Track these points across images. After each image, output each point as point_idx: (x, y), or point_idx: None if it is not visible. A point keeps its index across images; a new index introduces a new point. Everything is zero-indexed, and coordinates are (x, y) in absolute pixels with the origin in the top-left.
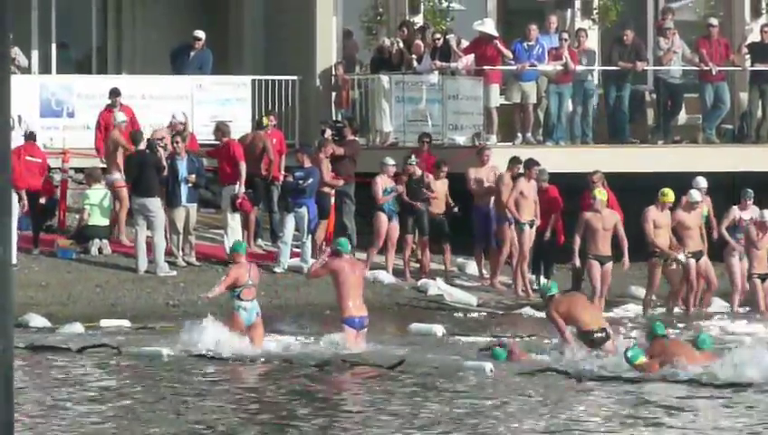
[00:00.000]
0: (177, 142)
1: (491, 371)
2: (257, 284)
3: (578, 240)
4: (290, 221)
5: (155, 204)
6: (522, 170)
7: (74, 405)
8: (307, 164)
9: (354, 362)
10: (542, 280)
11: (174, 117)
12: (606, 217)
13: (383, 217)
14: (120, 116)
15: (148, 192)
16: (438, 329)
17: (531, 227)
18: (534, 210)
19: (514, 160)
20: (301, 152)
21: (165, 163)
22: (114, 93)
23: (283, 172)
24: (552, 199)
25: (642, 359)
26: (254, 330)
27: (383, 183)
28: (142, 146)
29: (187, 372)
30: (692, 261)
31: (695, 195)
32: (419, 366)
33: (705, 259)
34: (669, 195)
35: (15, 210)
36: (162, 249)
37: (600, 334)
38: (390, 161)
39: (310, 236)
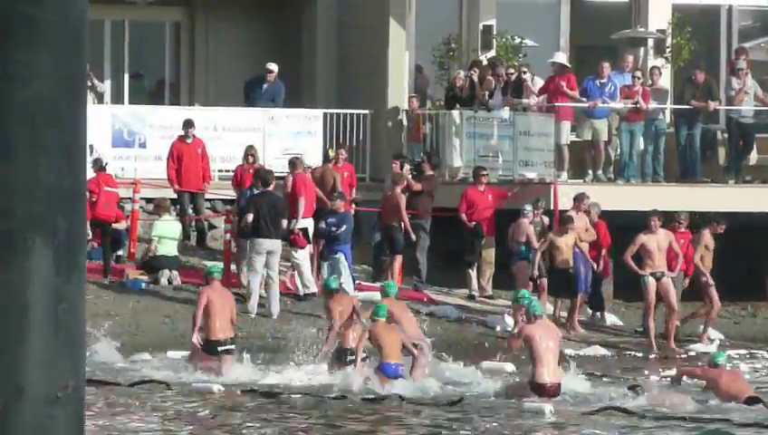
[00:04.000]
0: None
1: (551, 412)
2: None
3: None
4: (325, 269)
5: (278, 245)
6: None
7: None
8: (341, 210)
9: (412, 399)
10: (597, 314)
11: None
12: None
13: (526, 266)
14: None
15: (277, 234)
16: (509, 367)
17: (658, 279)
18: (666, 262)
19: (719, 220)
20: (338, 198)
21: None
22: (188, 124)
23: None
24: (600, 235)
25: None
26: None
27: (530, 231)
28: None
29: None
30: None
31: None
32: (479, 405)
33: None
34: None
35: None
36: (278, 293)
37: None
38: (528, 209)
39: (351, 282)
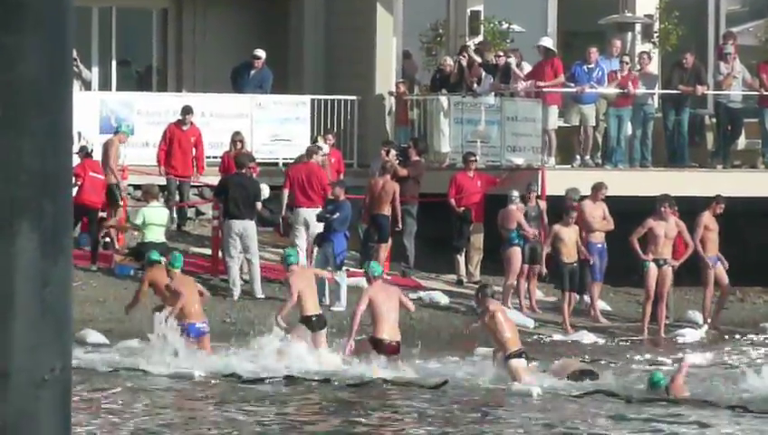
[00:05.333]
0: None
1: (538, 395)
2: None
3: None
4: (319, 257)
5: (250, 226)
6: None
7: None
8: (341, 198)
9: (396, 382)
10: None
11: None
12: None
13: (518, 252)
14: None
15: (250, 215)
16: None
17: (660, 266)
18: (667, 249)
19: (718, 198)
20: (337, 186)
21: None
22: (186, 111)
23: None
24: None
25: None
26: None
27: (521, 217)
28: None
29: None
30: None
31: None
32: (464, 388)
33: None
34: None
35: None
36: (259, 273)
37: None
38: (515, 195)
39: (339, 271)
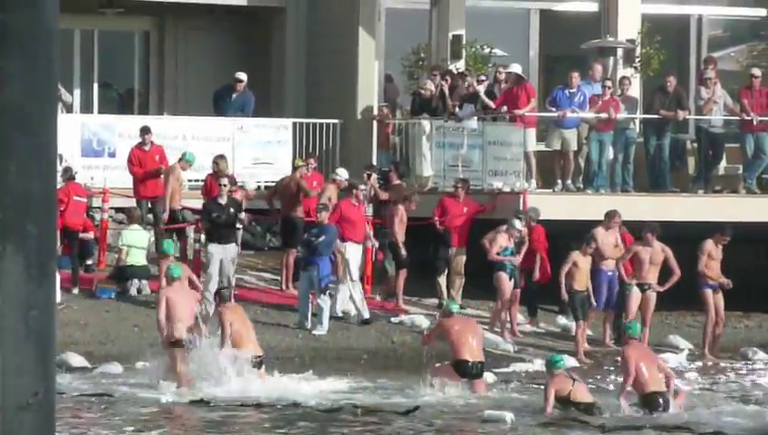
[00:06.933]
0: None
1: (511, 420)
2: None
3: None
4: (304, 280)
5: (236, 250)
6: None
7: None
8: (325, 221)
9: (367, 407)
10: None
11: (337, 174)
12: None
13: (504, 277)
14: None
15: (231, 239)
16: (489, 376)
17: (643, 290)
18: (652, 274)
19: (725, 231)
20: (322, 210)
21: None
22: (144, 131)
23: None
24: (535, 240)
25: None
26: None
27: (503, 242)
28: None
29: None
30: None
31: None
32: (436, 413)
33: None
34: None
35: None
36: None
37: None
38: (518, 224)
39: (323, 295)
